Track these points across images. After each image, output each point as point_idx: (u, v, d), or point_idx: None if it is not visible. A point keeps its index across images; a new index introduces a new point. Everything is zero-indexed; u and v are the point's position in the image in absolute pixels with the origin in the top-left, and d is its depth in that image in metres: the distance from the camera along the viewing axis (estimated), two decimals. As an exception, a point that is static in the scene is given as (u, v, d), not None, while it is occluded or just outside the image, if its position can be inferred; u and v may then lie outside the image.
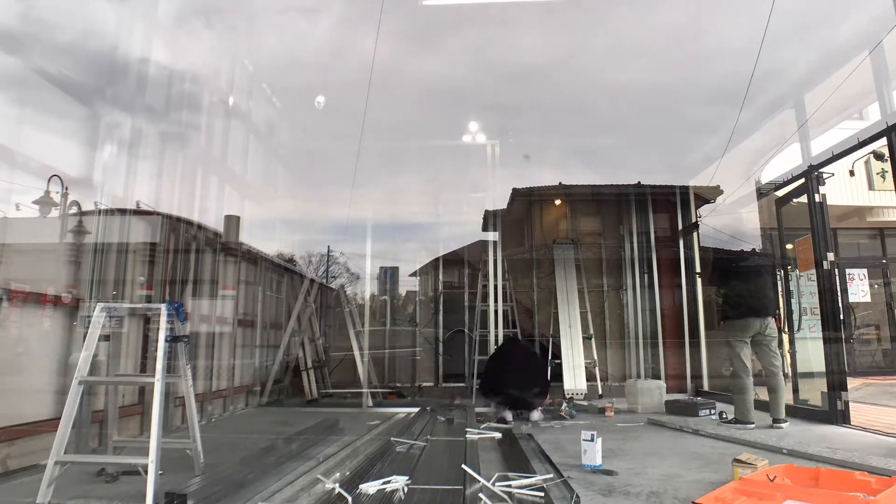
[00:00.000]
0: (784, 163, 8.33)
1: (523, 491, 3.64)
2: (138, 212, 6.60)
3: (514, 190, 12.02)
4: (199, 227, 7.79)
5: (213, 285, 8.17)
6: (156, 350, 3.80)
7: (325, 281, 15.24)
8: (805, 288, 7.78)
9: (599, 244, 12.17)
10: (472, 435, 5.94)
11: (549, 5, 7.63)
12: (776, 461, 4.15)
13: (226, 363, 8.49)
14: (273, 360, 10.16)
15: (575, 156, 11.61)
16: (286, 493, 3.80)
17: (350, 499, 3.45)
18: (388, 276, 14.17)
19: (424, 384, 12.30)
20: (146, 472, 3.38)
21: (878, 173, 11.00)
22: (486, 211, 12.08)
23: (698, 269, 10.81)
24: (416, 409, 8.32)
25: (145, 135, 7.17)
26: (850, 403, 6.53)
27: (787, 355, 8.06)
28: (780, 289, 7.79)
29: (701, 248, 11.05)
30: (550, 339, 11.09)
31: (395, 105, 9.56)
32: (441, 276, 13.50)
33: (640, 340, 11.38)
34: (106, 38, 6.55)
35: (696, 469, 4.40)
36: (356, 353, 10.52)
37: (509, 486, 3.73)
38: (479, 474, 3.85)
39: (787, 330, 7.80)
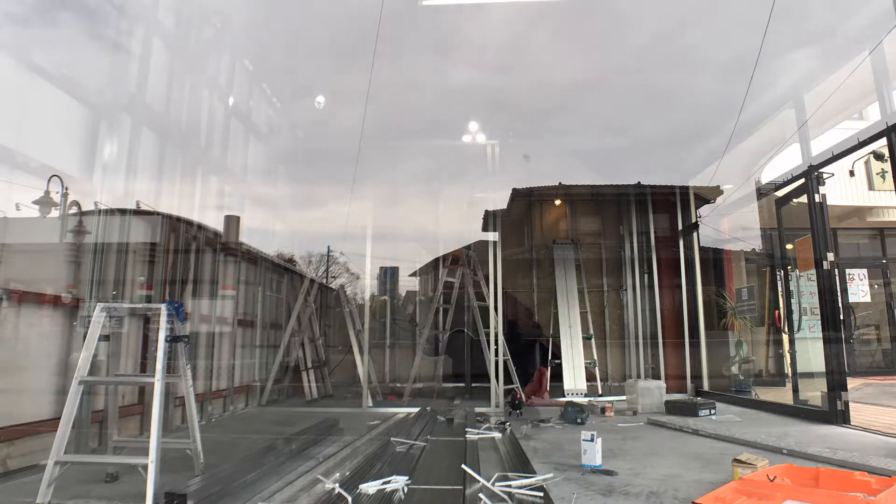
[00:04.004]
0: (784, 163, 8.34)
1: (523, 491, 3.64)
2: (138, 212, 6.60)
3: (514, 190, 12.01)
4: (199, 227, 7.78)
5: (213, 285, 8.16)
6: (156, 350, 3.80)
7: (325, 281, 15.22)
8: (805, 288, 7.77)
9: (599, 244, 12.17)
10: (472, 435, 5.94)
11: (548, 6, 7.63)
12: (776, 461, 4.15)
13: (226, 363, 8.49)
14: (273, 360, 10.16)
15: (575, 155, 11.60)
16: (286, 493, 3.80)
17: (350, 499, 3.45)
18: (388, 276, 14.14)
19: (424, 384, 12.28)
20: (146, 472, 3.38)
21: (878, 173, 10.98)
22: (486, 211, 12.07)
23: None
24: (416, 409, 8.32)
25: (145, 135, 7.18)
26: (850, 403, 6.53)
27: (787, 355, 8.08)
28: (780, 289, 7.80)
29: (701, 249, 11.05)
30: (550, 340, 11.09)
31: (396, 104, 9.56)
32: (441, 276, 13.48)
33: (640, 340, 11.37)
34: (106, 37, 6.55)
35: (696, 469, 4.40)
36: (356, 353, 10.52)
37: (509, 486, 3.73)
38: (479, 474, 3.85)
39: (786, 330, 7.81)
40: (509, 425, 6.49)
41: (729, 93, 7.81)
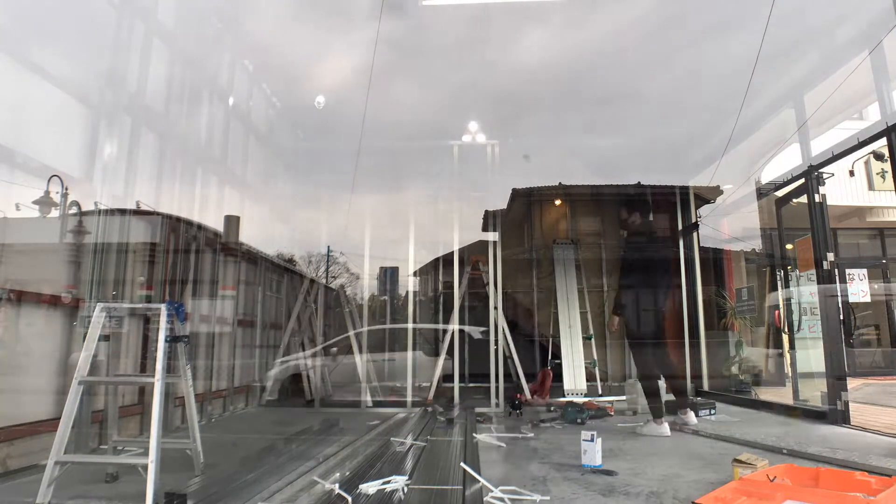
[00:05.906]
0: (784, 163, 8.33)
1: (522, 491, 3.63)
2: (138, 212, 6.60)
3: (513, 190, 12.01)
4: (199, 227, 7.78)
5: (213, 285, 8.16)
6: (156, 350, 3.80)
7: (325, 281, 15.22)
8: (805, 288, 7.77)
9: (599, 244, 12.17)
10: (472, 435, 5.94)
11: (548, 5, 7.63)
12: (776, 461, 4.15)
13: (226, 363, 8.49)
14: (273, 360, 10.16)
15: (575, 156, 11.60)
16: (286, 493, 3.80)
17: (350, 499, 3.45)
18: (388, 276, 14.15)
19: (424, 384, 12.28)
20: (146, 472, 3.38)
21: (878, 173, 10.99)
22: (486, 211, 12.07)
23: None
24: (416, 409, 8.32)
25: (145, 135, 7.17)
26: (850, 403, 6.53)
27: (787, 355, 8.08)
28: (779, 289, 7.81)
29: (701, 249, 11.05)
30: (550, 339, 11.09)
31: (395, 105, 9.57)
32: (441, 276, 13.50)
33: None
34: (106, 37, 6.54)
35: (696, 469, 4.40)
36: (356, 353, 10.52)
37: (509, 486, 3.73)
38: (480, 474, 3.85)
39: (786, 330, 7.81)
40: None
41: (728, 92, 7.80)
